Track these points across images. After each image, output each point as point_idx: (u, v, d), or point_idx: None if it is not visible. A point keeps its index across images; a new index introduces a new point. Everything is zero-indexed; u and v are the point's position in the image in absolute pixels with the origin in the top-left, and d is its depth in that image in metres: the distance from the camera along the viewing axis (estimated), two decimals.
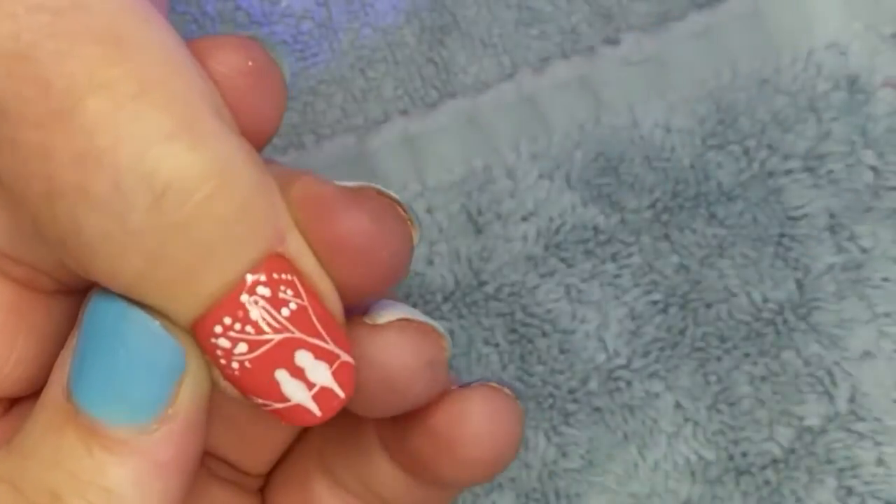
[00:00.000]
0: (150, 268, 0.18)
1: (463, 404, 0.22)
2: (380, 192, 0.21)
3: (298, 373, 0.19)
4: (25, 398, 0.22)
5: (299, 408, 0.20)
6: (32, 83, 0.18)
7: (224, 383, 0.20)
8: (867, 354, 0.30)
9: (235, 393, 0.20)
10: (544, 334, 0.30)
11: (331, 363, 0.20)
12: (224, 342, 0.19)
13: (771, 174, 0.30)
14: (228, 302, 0.19)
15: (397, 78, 0.30)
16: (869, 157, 0.30)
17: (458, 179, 0.30)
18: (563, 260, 0.30)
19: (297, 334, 0.19)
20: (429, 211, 0.30)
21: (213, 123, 0.19)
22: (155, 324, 0.19)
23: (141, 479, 0.19)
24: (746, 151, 0.30)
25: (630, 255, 0.30)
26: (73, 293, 0.22)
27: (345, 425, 0.24)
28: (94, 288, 0.20)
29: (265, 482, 0.25)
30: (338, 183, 0.21)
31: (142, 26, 0.18)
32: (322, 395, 0.20)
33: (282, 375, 0.19)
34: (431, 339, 0.22)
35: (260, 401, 0.20)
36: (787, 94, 0.30)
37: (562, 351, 0.30)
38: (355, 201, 0.20)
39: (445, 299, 0.30)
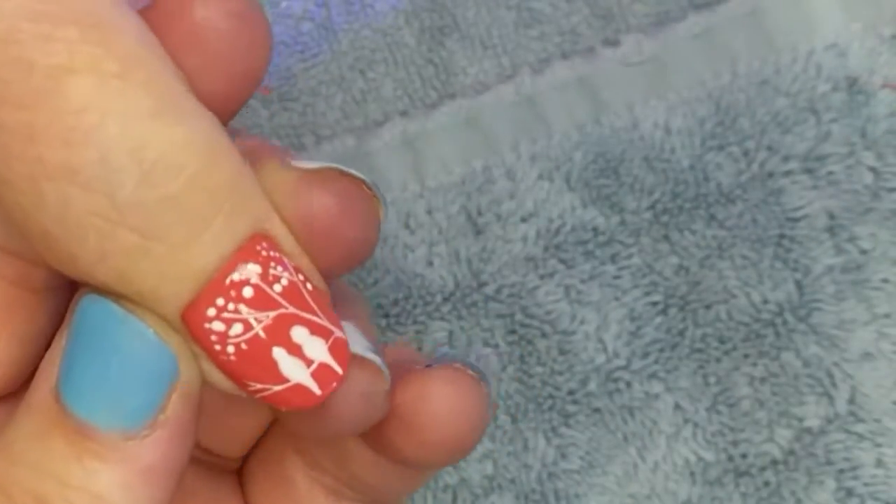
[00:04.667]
0: (142, 242, 0.18)
1: (424, 386, 0.22)
2: (343, 173, 0.21)
3: (296, 350, 0.19)
4: (4, 397, 0.22)
5: (299, 387, 0.19)
6: (14, 65, 0.18)
7: (217, 376, 0.19)
8: (867, 356, 0.30)
9: (228, 384, 0.20)
10: (544, 335, 0.30)
11: (326, 338, 0.20)
12: (218, 325, 0.19)
13: (770, 175, 0.30)
14: (220, 282, 0.19)
15: (397, 78, 0.30)
16: (868, 158, 0.30)
17: (457, 180, 0.30)
18: (562, 261, 0.30)
19: (292, 309, 0.19)
20: (428, 212, 0.30)
21: (192, 102, 0.19)
22: (149, 331, 0.19)
23: (129, 484, 0.19)
24: (746, 153, 0.30)
25: (630, 256, 0.30)
26: (59, 291, 0.22)
27: None
28: (81, 289, 0.19)
29: (242, 463, 0.26)
30: (300, 164, 0.21)
31: (116, 10, 0.19)
32: (321, 372, 0.19)
33: (279, 353, 0.19)
34: (369, 371, 0.21)
35: (258, 385, 0.19)
36: (786, 96, 0.30)
37: (561, 352, 0.30)
38: (319, 183, 0.20)
39: (445, 300, 0.30)
